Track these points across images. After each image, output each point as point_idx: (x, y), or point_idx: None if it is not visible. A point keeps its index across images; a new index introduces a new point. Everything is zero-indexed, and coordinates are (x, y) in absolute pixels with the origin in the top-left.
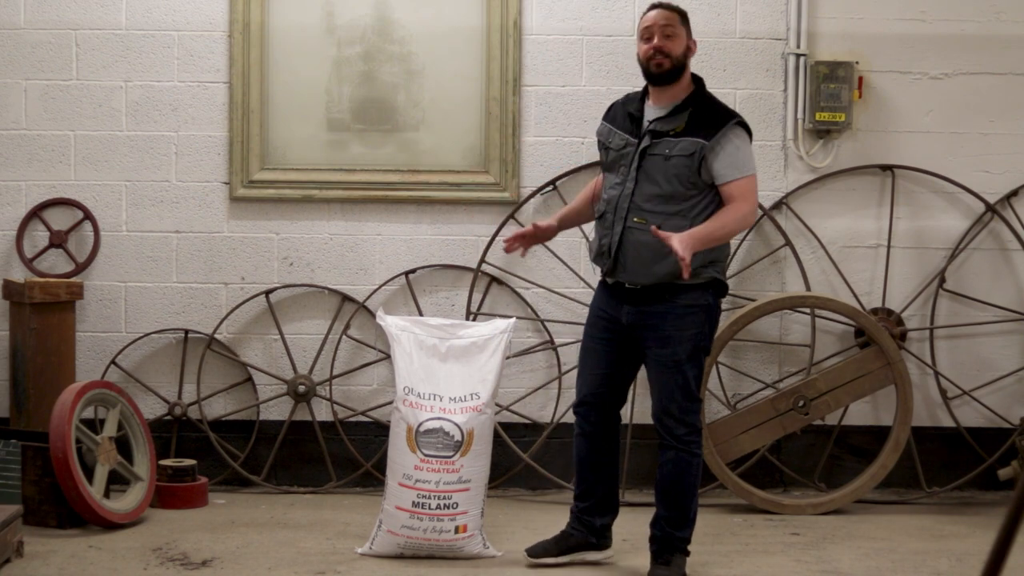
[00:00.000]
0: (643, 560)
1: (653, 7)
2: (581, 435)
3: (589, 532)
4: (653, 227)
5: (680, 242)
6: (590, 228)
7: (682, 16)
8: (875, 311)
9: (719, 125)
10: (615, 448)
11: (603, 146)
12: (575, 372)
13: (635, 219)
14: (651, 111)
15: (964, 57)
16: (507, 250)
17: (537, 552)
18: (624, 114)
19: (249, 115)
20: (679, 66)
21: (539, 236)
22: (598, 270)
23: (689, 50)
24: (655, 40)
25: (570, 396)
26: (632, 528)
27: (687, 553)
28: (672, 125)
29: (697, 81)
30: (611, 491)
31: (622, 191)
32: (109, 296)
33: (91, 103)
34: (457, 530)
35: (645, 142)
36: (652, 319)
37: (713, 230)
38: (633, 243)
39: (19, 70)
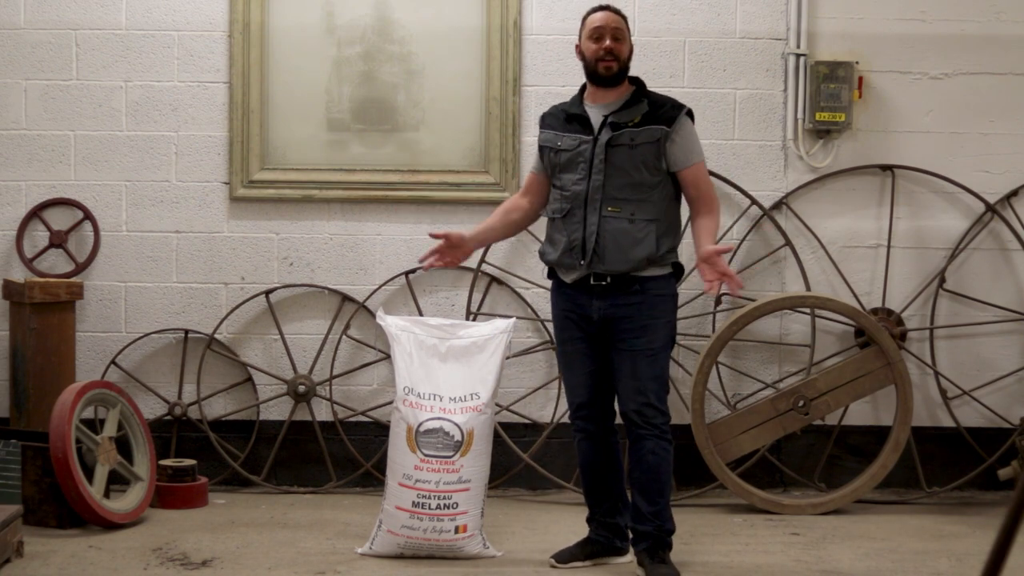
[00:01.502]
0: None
1: (600, 8)
2: (586, 438)
3: (614, 535)
4: (714, 247)
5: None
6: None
7: (625, 19)
8: (875, 311)
9: (674, 114)
10: (617, 444)
11: (552, 150)
12: None
13: (609, 208)
14: (597, 109)
15: (964, 57)
16: (425, 268)
17: (564, 558)
18: (563, 118)
19: (249, 115)
20: (624, 69)
21: (453, 246)
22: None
23: (631, 53)
24: (606, 42)
25: None
26: None
27: (672, 546)
28: (630, 116)
29: (637, 80)
30: (623, 488)
31: (589, 184)
32: (109, 296)
33: (91, 103)
34: (457, 530)
35: (607, 134)
36: (626, 310)
37: (716, 231)
38: (611, 231)
39: (19, 70)
